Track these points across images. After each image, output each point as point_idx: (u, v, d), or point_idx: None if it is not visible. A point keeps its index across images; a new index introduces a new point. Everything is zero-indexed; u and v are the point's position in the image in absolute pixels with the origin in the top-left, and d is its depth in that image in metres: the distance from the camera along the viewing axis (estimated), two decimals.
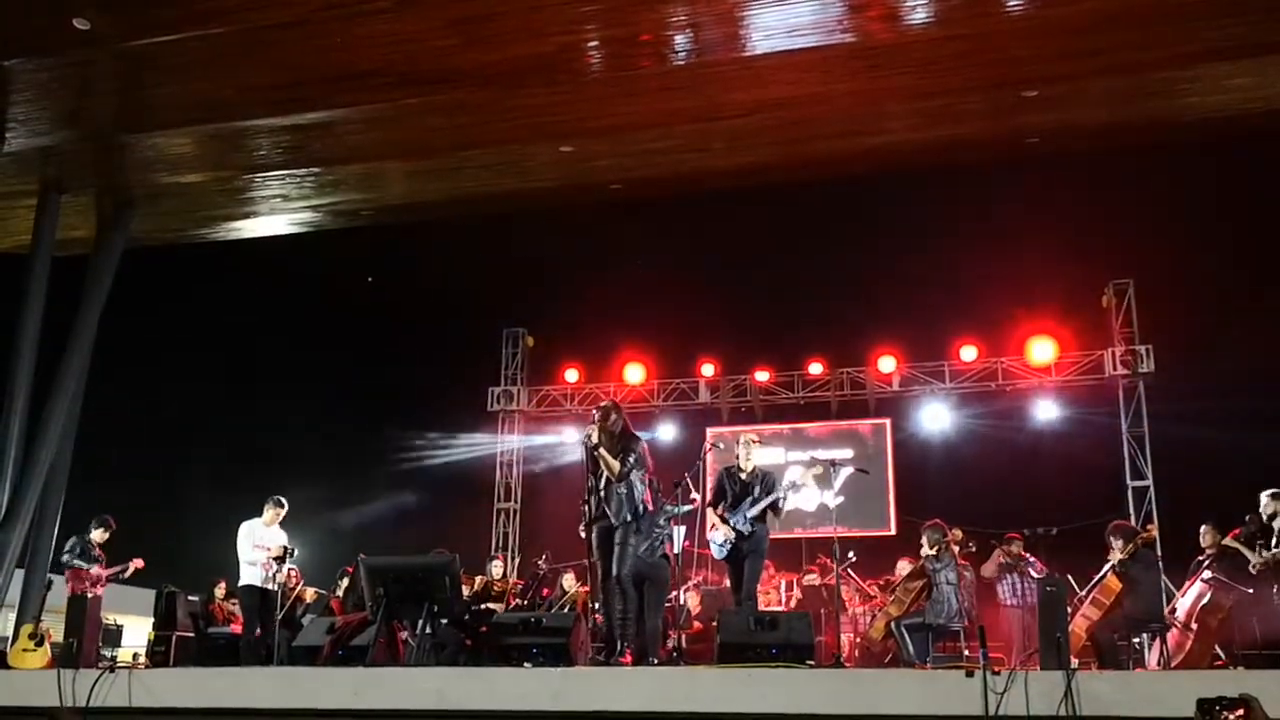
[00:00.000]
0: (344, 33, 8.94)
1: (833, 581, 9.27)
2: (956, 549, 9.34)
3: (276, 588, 9.36)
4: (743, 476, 8.07)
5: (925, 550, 8.92)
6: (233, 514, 9.76)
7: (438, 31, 8.93)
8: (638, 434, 7.56)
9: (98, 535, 10.05)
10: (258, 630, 9.40)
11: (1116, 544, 8.05)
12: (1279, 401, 11.71)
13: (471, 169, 11.42)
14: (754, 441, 8.29)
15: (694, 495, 8.39)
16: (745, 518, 7.85)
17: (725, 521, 7.93)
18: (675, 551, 8.43)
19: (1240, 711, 3.96)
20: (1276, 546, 8.06)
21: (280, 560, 9.34)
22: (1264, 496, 8.28)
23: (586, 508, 7.34)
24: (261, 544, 9.38)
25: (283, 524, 9.74)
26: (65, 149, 10.77)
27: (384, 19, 8.77)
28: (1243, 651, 7.95)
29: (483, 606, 8.61)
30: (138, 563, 10.40)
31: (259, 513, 9.64)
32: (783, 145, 10.91)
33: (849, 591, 10.82)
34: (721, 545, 7.98)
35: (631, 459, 7.21)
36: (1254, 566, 8.07)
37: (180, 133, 10.59)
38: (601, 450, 7.19)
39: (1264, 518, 8.28)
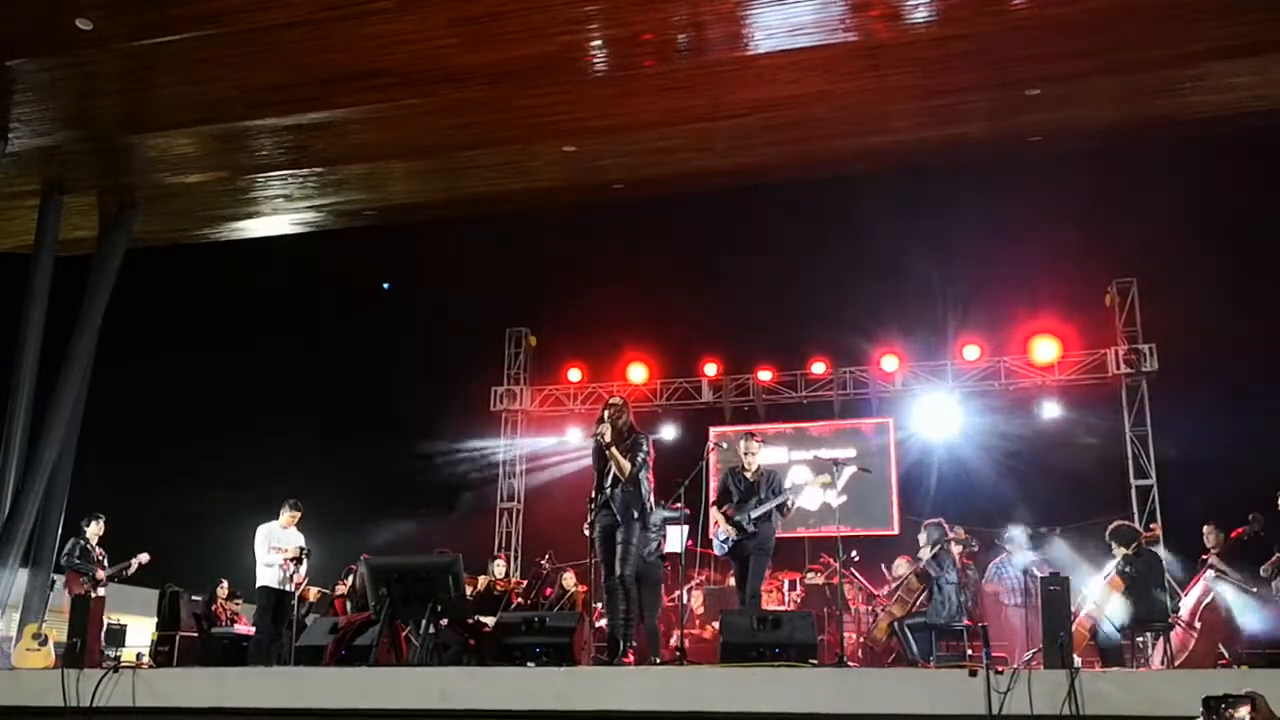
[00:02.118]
0: (346, 33, 8.95)
1: (836, 581, 9.27)
2: (959, 549, 9.33)
3: (293, 589, 9.37)
4: (748, 476, 8.06)
5: (924, 552, 8.91)
6: (235, 514, 9.77)
7: (440, 31, 8.94)
8: (644, 433, 7.53)
9: (94, 530, 10.04)
10: (268, 631, 9.42)
11: (1116, 545, 8.04)
12: None
13: (474, 169, 11.44)
14: (756, 441, 8.27)
15: (678, 505, 8.37)
16: (749, 517, 7.84)
17: (730, 520, 7.92)
18: (677, 550, 8.43)
19: (1246, 708, 3.94)
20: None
21: (298, 562, 9.35)
22: None
23: (592, 504, 7.33)
24: (278, 546, 9.40)
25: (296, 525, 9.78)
26: (68, 149, 10.80)
27: (386, 19, 8.78)
28: (1246, 650, 7.95)
29: (475, 619, 8.59)
30: (143, 558, 10.37)
31: (264, 513, 9.66)
32: (785, 144, 10.92)
33: (852, 591, 10.81)
34: (724, 542, 7.98)
35: (640, 458, 7.19)
36: (1266, 569, 8.08)
37: (183, 133, 10.61)
38: (613, 449, 7.16)
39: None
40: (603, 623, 8.48)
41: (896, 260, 13.88)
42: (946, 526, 9.09)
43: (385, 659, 7.42)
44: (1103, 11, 8.64)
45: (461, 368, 16.13)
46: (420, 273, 15.57)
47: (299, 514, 9.64)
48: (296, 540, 9.55)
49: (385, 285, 16.48)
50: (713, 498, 8.26)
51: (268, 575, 9.35)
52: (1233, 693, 4.03)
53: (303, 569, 9.47)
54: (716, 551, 8.28)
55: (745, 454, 8.13)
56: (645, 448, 7.27)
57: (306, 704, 6.23)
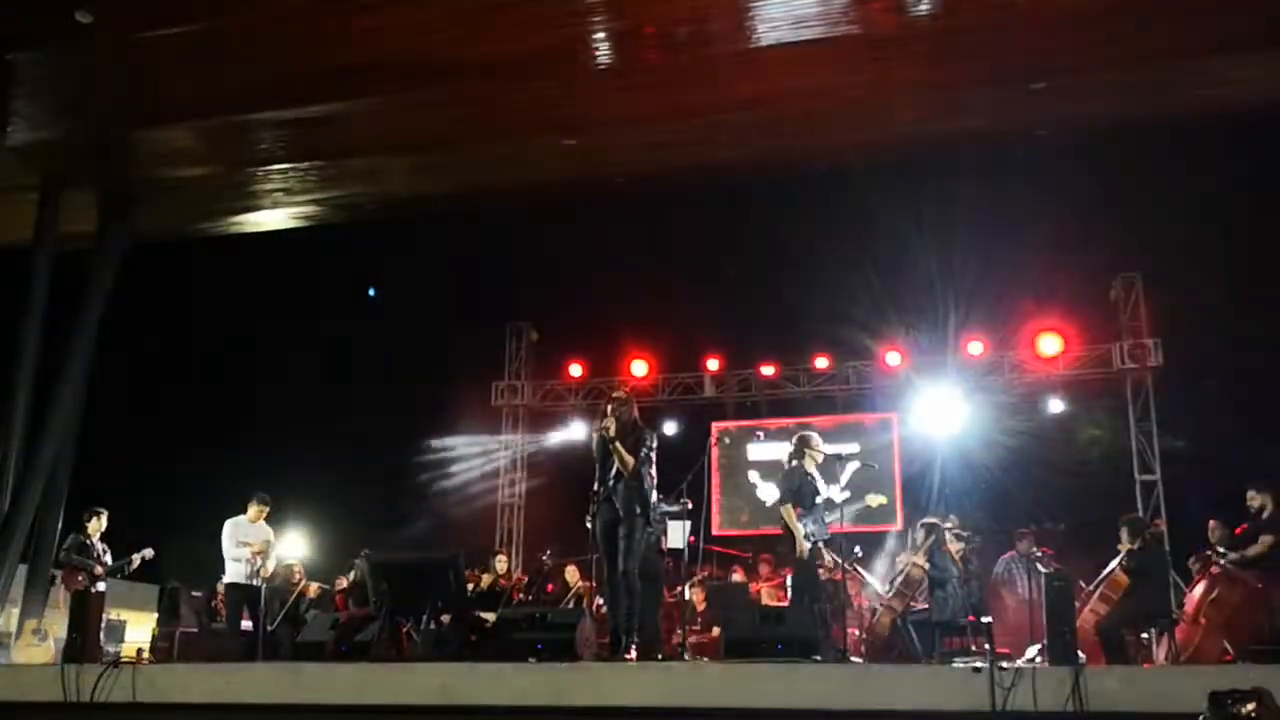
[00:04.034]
0: (346, 25, 8.93)
1: (839, 576, 9.24)
2: (957, 545, 9.29)
3: (261, 583, 9.39)
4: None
5: (919, 555, 8.92)
6: (235, 510, 9.76)
7: (441, 24, 8.91)
8: (648, 428, 7.48)
9: (93, 526, 10.02)
10: (240, 626, 9.44)
11: (1126, 536, 8.04)
12: None
13: (475, 162, 11.39)
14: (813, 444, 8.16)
15: (685, 500, 8.33)
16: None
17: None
18: (679, 547, 8.41)
19: (1252, 704, 3.93)
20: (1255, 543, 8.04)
21: (264, 556, 9.40)
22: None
23: (595, 499, 7.29)
24: (245, 540, 9.41)
25: (272, 520, 9.78)
26: (68, 143, 10.76)
27: (387, 11, 8.75)
28: (1251, 646, 7.91)
29: (476, 614, 8.57)
30: (147, 553, 10.35)
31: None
32: (788, 138, 10.86)
33: (855, 586, 10.78)
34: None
35: (644, 453, 7.15)
36: (1228, 561, 8.06)
37: (182, 126, 10.57)
38: (617, 444, 7.11)
39: (1251, 511, 8.26)
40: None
41: (900, 254, 13.83)
42: (941, 523, 9.07)
43: (386, 654, 7.41)
44: (1108, 3, 8.59)
45: (462, 363, 16.10)
46: (421, 267, 15.53)
47: (267, 508, 9.67)
48: (264, 535, 9.57)
49: (371, 291, 16.51)
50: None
51: (235, 570, 9.37)
52: (1239, 688, 4.01)
53: (270, 563, 9.51)
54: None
55: (812, 453, 8.05)
56: (649, 443, 7.23)
57: (307, 699, 6.21)
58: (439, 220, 13.66)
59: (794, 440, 8.18)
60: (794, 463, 8.02)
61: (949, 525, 9.12)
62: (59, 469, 11.04)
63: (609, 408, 7.25)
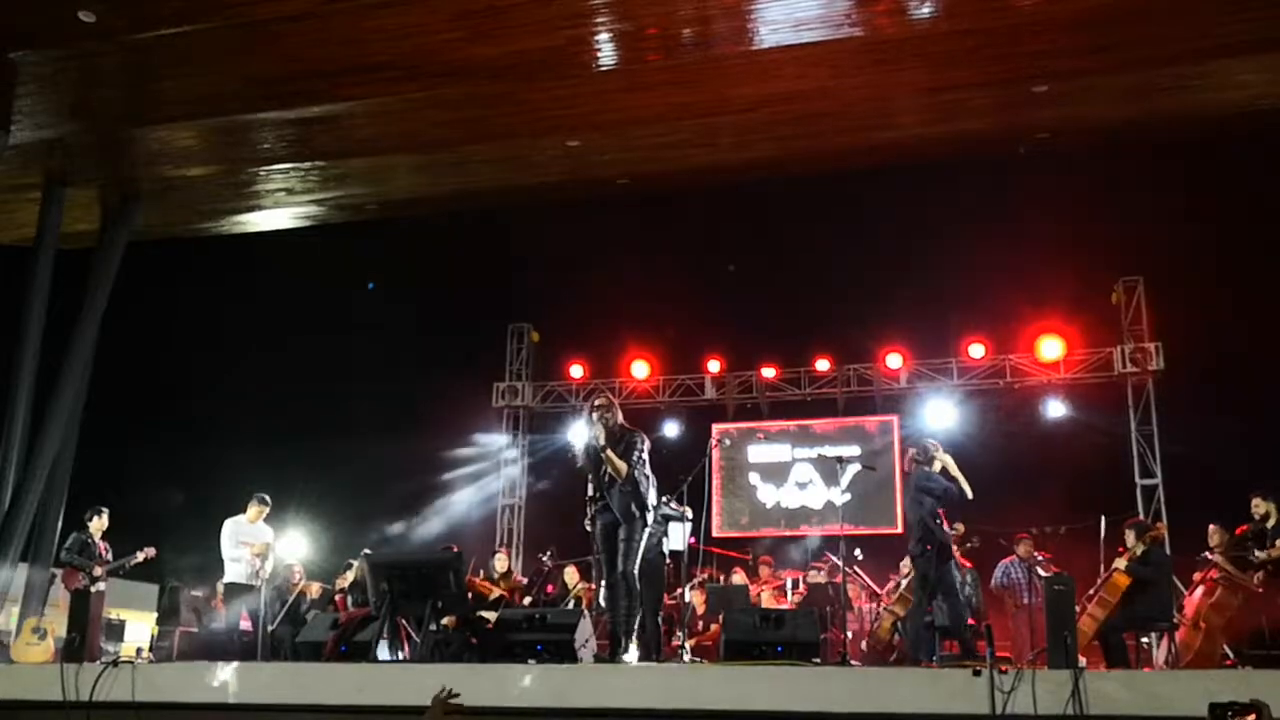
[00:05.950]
0: (350, 26, 8.92)
1: (839, 579, 9.24)
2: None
3: (261, 584, 9.38)
4: None
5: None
6: (235, 509, 9.75)
7: (444, 25, 8.91)
8: (636, 429, 7.42)
9: (95, 525, 10.01)
10: (240, 626, 9.44)
11: (1132, 539, 8.06)
12: None
13: (477, 163, 11.39)
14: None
15: (685, 509, 8.31)
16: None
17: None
18: (679, 549, 8.40)
19: (1251, 717, 3.93)
20: (1269, 546, 8.06)
21: (263, 558, 9.39)
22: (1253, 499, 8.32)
23: (591, 505, 7.26)
24: (246, 540, 9.39)
25: (272, 520, 9.76)
26: (70, 142, 10.75)
27: (390, 12, 8.75)
28: (1251, 651, 7.91)
29: (477, 615, 8.55)
30: (150, 551, 10.33)
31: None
32: (790, 140, 10.86)
33: (855, 589, 10.78)
34: None
35: (635, 456, 7.11)
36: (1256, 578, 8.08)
37: (185, 126, 10.57)
38: (609, 452, 7.06)
39: (1255, 518, 8.29)
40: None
41: (901, 257, 13.83)
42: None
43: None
44: (1110, 7, 8.58)
45: (463, 364, 16.10)
46: (422, 268, 15.53)
47: (266, 508, 9.67)
48: (264, 535, 9.56)
49: (370, 285, 16.52)
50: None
51: (234, 570, 9.36)
52: (1239, 700, 4.01)
53: (269, 564, 9.50)
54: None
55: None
56: (640, 445, 7.18)
57: (307, 699, 6.20)
58: (441, 220, 13.65)
59: (919, 449, 8.30)
60: (926, 468, 8.14)
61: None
62: (59, 469, 11.04)
63: (593, 416, 7.21)
